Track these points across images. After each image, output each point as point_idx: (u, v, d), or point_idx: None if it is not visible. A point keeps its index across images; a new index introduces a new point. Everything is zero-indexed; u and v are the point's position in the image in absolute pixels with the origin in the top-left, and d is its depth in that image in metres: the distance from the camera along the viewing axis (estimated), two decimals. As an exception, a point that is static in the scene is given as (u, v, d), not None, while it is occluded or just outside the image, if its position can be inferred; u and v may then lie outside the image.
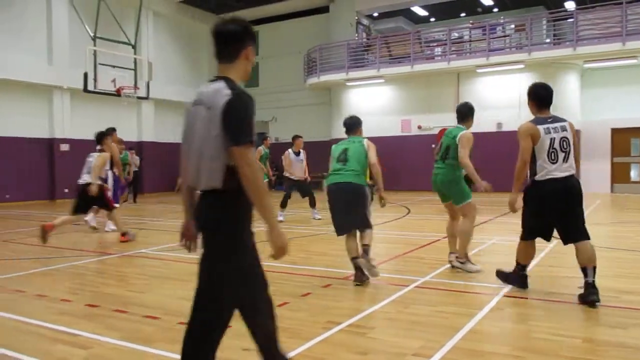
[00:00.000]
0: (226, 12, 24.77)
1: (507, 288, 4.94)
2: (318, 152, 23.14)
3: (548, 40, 19.16)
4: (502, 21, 21.00)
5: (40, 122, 18.41)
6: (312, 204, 11.46)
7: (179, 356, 3.37)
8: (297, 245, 7.93)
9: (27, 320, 4.19)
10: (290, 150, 11.63)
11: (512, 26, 20.36)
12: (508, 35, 20.23)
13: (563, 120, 4.70)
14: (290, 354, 3.35)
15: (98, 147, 8.91)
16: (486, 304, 4.44)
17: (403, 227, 10.14)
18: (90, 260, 7.00)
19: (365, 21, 24.38)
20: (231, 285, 2.52)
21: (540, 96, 4.78)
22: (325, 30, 23.48)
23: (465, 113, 6.21)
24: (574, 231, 4.52)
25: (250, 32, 2.62)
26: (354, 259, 5.31)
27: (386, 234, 9.33)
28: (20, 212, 14.40)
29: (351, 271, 5.93)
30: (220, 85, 2.43)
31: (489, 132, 18.26)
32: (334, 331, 3.79)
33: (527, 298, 4.69)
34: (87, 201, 8.30)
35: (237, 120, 2.34)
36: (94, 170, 8.26)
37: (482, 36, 19.64)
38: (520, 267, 4.92)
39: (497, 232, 8.93)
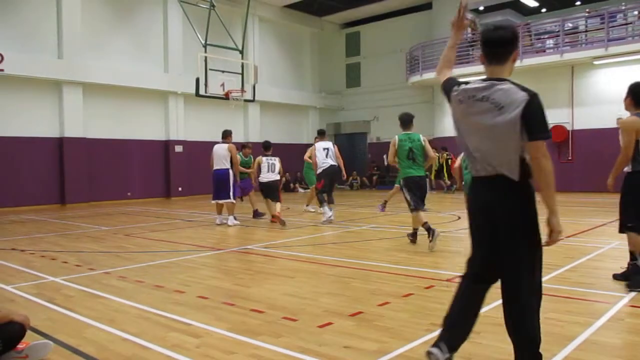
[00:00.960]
0: (329, 14, 25.15)
1: (629, 297, 4.55)
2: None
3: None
4: (623, 8, 19.32)
5: (157, 125, 19.83)
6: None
7: (281, 349, 3.48)
8: (399, 245, 7.85)
9: (146, 308, 4.51)
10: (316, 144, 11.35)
11: (635, 12, 18.66)
12: (630, 23, 18.56)
13: None
14: (392, 354, 3.32)
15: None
16: (605, 313, 4.11)
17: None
18: (201, 254, 7.40)
19: (470, 16, 23.44)
20: (527, 254, 2.88)
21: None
22: (427, 28, 23.03)
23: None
24: None
25: (518, 37, 3.02)
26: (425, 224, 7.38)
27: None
28: (140, 209, 15.58)
29: (456, 273, 5.77)
30: (510, 86, 2.82)
31: (609, 128, 16.92)
32: (437, 333, 3.69)
33: (652, 308, 4.28)
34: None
35: (537, 118, 2.70)
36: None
37: (600, 25, 18.23)
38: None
39: (616, 236, 8.23)
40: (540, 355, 2.82)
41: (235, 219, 10.77)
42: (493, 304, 4.44)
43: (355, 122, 26.09)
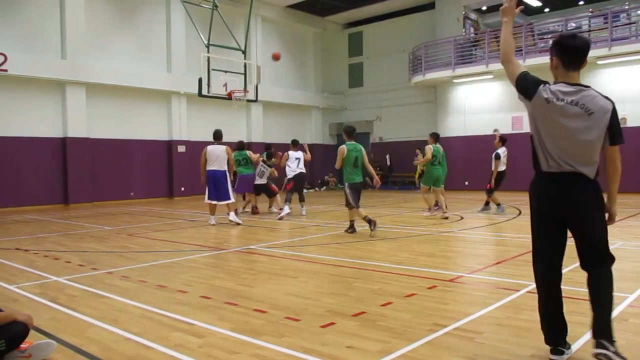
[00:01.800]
0: (331, 14, 25.16)
1: (632, 297, 4.54)
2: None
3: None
4: (626, 7, 19.27)
5: (160, 125, 19.86)
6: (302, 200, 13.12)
7: (284, 349, 3.48)
8: (402, 245, 7.85)
9: (149, 308, 4.52)
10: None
11: (639, 12, 18.61)
12: (634, 23, 18.52)
13: None
14: (395, 354, 3.32)
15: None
16: (608, 314, 4.09)
17: (514, 228, 9.67)
18: (204, 254, 7.40)
19: (473, 15, 23.56)
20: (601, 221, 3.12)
21: None
22: (430, 27, 23.01)
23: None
24: None
25: None
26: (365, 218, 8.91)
27: (496, 235, 8.95)
28: (143, 209, 15.61)
29: (458, 273, 5.77)
30: (594, 93, 3.09)
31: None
32: (440, 334, 3.70)
33: (656, 309, 4.27)
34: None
35: (618, 124, 3.01)
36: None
37: (603, 25, 18.18)
38: None
39: (623, 236, 8.22)
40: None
41: (236, 214, 11.00)
42: (496, 304, 4.44)
43: (358, 122, 26.02)
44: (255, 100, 18.21)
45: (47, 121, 16.81)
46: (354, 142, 9.19)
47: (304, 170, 12.82)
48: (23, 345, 3.29)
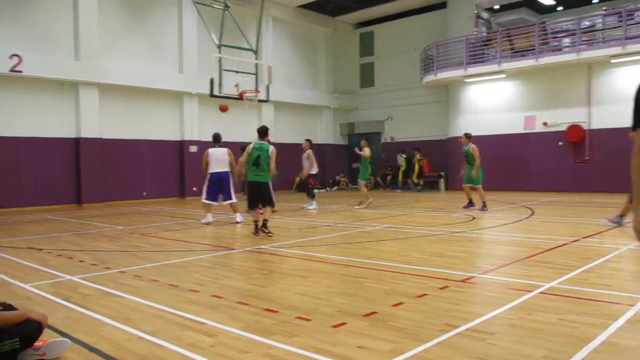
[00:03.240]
0: (342, 14, 25.15)
1: (647, 298, 4.49)
2: (435, 151, 22.71)
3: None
4: (641, 5, 19.05)
5: (172, 125, 19.97)
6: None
7: (295, 349, 3.49)
8: (413, 245, 7.83)
9: (161, 307, 4.55)
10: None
11: (654, 10, 18.39)
12: (648, 21, 18.32)
13: None
14: (406, 355, 3.31)
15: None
16: (622, 315, 4.05)
17: (526, 229, 9.60)
18: (215, 254, 7.43)
19: (485, 15, 23.43)
20: None
21: None
22: (442, 27, 22.91)
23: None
24: None
25: None
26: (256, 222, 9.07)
27: (508, 236, 8.89)
28: (155, 208, 15.70)
29: (470, 274, 5.74)
30: None
31: (628, 127, 16.69)
32: (452, 334, 3.68)
33: (671, 310, 4.22)
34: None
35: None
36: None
37: (617, 23, 17.99)
38: None
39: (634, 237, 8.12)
40: None
41: (241, 214, 11.27)
42: (508, 304, 4.41)
43: (369, 122, 26.05)
44: (267, 101, 18.26)
45: (61, 122, 16.98)
46: (261, 142, 9.28)
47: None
48: (37, 344, 3.33)
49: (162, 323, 4.10)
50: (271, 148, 9.20)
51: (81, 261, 6.93)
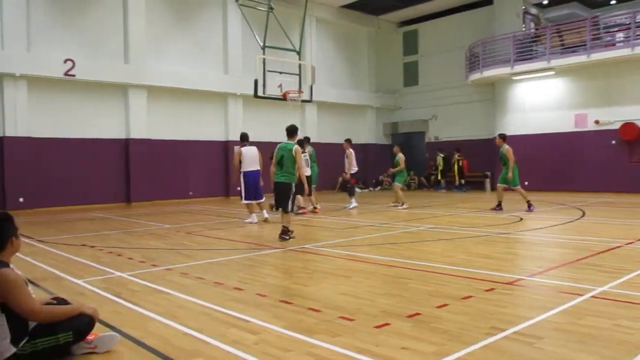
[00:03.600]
0: (386, 13, 24.99)
1: None
2: (481, 150, 22.27)
3: None
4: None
5: (217, 126, 20.33)
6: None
7: (338, 348, 3.48)
8: (458, 246, 7.70)
9: (206, 304, 4.64)
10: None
11: None
12: None
13: None
14: (450, 357, 3.26)
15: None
16: (680, 321, 3.86)
17: (577, 230, 9.29)
18: (259, 253, 7.51)
19: (533, 10, 22.80)
20: None
21: None
22: (488, 24, 22.44)
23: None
24: None
25: None
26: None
27: (557, 237, 8.63)
28: (200, 207, 16.01)
29: (517, 276, 5.60)
30: None
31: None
32: (498, 337, 3.60)
33: None
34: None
35: None
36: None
37: (675, 16, 17.17)
38: None
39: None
40: None
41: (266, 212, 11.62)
42: (557, 308, 4.28)
43: (412, 122, 25.78)
44: (310, 101, 18.33)
45: (111, 123, 17.55)
46: (287, 142, 8.82)
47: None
48: (89, 337, 3.45)
49: (207, 320, 4.17)
50: (295, 147, 8.67)
51: (130, 258, 7.14)
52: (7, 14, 15.17)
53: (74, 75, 16.08)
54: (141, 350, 3.50)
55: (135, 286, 5.43)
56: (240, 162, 11.20)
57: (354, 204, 14.36)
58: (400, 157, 14.32)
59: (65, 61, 15.92)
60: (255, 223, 11.10)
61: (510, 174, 12.60)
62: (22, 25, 15.46)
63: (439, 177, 22.91)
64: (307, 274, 6.00)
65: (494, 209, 13.03)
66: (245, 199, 11.27)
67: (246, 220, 11.30)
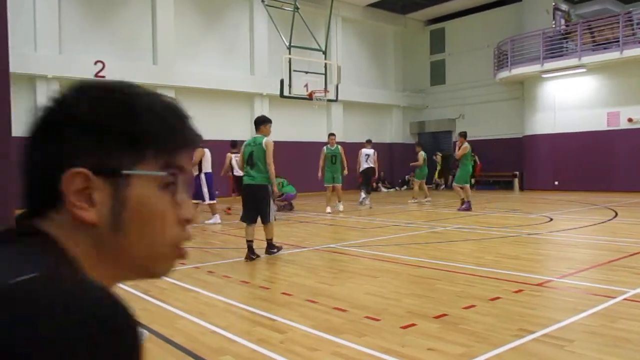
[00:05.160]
0: (412, 11, 24.80)
1: None
2: (509, 149, 21.93)
3: None
4: None
5: (244, 126, 20.47)
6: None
7: (364, 348, 3.47)
8: (486, 247, 7.60)
9: (233, 302, 4.67)
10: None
11: None
12: None
13: None
14: (477, 359, 3.22)
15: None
16: None
17: (609, 231, 9.07)
18: (285, 252, 7.53)
19: (563, 6, 22.34)
20: None
21: None
22: (517, 21, 22.07)
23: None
24: None
25: None
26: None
27: (588, 238, 8.44)
28: (224, 206, 16.09)
29: (547, 277, 5.50)
30: None
31: None
32: (527, 340, 3.54)
33: None
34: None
35: None
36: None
37: None
38: None
39: None
40: None
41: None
42: (588, 311, 4.19)
43: (439, 121, 25.53)
44: (336, 100, 18.32)
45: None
46: (255, 136, 7.36)
47: (371, 166, 14.96)
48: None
49: (233, 318, 4.21)
50: (265, 140, 7.13)
51: (159, 256, 7.22)
52: (40, 17, 15.56)
53: (104, 77, 16.40)
54: (169, 347, 3.55)
55: (164, 284, 5.51)
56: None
57: (365, 198, 15.13)
58: (421, 154, 15.21)
59: (96, 62, 16.25)
60: (219, 223, 11.20)
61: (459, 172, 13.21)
62: (54, 28, 15.85)
63: (436, 177, 23.13)
64: (332, 274, 5.99)
65: (461, 209, 13.07)
66: (211, 199, 11.47)
67: (209, 222, 11.30)
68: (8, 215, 1.96)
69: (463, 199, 13.06)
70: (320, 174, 13.63)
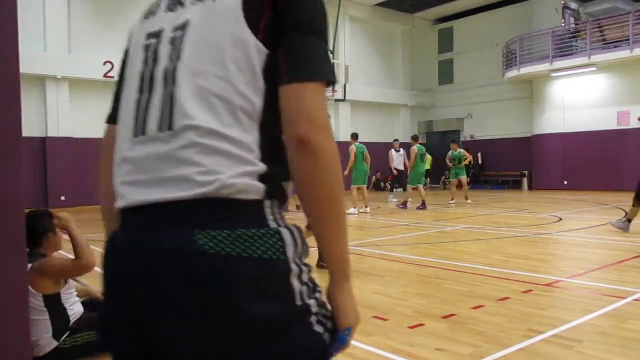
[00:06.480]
0: (421, 10, 24.75)
1: None
2: (518, 149, 21.83)
3: None
4: None
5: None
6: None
7: (372, 348, 3.47)
8: (494, 246, 7.57)
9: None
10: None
11: None
12: None
13: None
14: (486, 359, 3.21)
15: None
16: None
17: (619, 232, 9.00)
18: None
19: (573, 5, 22.19)
20: None
21: None
22: (525, 20, 21.95)
23: None
24: None
25: None
26: None
27: (598, 238, 8.38)
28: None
29: (556, 278, 5.47)
30: None
31: None
32: (536, 340, 3.52)
33: None
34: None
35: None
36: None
37: None
38: None
39: None
40: None
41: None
42: (598, 311, 4.16)
43: (448, 120, 25.45)
44: (344, 100, 18.35)
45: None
46: None
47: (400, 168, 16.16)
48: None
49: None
50: None
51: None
52: (49, 18, 15.69)
53: (112, 77, 16.49)
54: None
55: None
56: None
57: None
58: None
59: (105, 63, 16.35)
60: None
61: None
62: (64, 29, 15.97)
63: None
64: (340, 273, 5.98)
65: (419, 207, 13.56)
66: None
67: None
68: (19, 215, 1.98)
69: (424, 200, 13.62)
70: (347, 172, 12.92)
